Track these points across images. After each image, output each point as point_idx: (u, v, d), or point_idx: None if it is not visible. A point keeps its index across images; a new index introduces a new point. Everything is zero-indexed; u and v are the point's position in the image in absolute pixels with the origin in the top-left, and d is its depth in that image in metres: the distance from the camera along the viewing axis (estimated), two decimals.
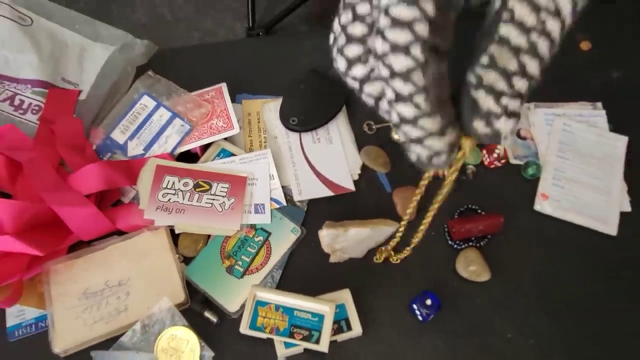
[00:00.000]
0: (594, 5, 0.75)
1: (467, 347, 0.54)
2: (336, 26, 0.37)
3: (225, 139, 0.63)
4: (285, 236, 0.59)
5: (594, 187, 0.61)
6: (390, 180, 0.63)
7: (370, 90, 0.37)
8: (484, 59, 0.31)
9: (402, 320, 0.55)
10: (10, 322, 0.54)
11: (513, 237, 0.59)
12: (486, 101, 0.32)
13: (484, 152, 0.63)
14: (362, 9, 0.34)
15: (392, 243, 0.56)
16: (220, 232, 0.58)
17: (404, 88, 0.32)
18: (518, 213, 0.61)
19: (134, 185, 0.59)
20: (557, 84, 0.68)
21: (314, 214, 0.60)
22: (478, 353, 0.54)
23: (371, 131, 0.65)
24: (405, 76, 0.31)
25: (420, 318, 0.54)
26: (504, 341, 0.54)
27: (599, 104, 0.67)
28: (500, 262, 0.58)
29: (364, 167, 0.63)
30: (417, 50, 0.30)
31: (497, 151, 0.62)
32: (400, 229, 0.53)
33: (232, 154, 0.62)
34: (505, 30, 0.30)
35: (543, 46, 0.30)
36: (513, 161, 0.64)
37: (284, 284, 0.57)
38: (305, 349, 0.52)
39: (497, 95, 0.32)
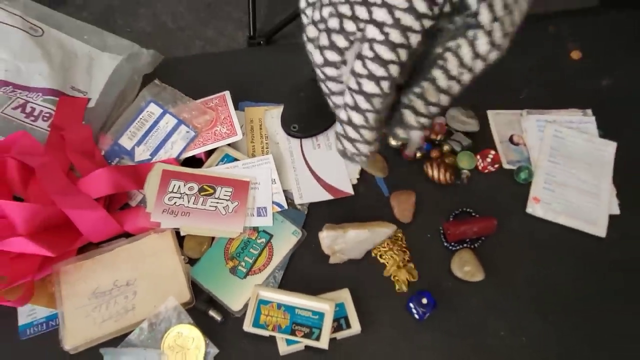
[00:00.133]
0: (584, 16, 0.78)
1: (461, 344, 0.56)
2: (318, 19, 0.41)
3: (229, 144, 0.65)
4: (287, 238, 0.61)
5: (584, 190, 0.64)
6: (388, 184, 0.65)
7: (333, 87, 0.43)
8: (417, 89, 0.40)
9: (399, 319, 0.57)
10: (22, 320, 0.56)
11: (506, 238, 0.61)
12: (410, 118, 0.41)
13: (478, 157, 0.65)
14: (350, 27, 0.39)
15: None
16: (224, 234, 0.60)
17: (364, 104, 0.39)
18: (511, 216, 0.63)
19: (141, 189, 0.61)
20: (548, 92, 0.71)
21: (314, 217, 0.62)
22: (472, 350, 0.55)
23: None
24: (369, 97, 0.39)
25: (416, 316, 0.56)
26: (497, 339, 0.56)
27: (589, 111, 0.69)
28: (494, 262, 0.60)
29: (362, 172, 0.65)
30: (385, 84, 0.38)
31: (490, 156, 0.65)
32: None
33: (235, 159, 0.64)
34: (437, 73, 0.39)
35: (456, 88, 0.40)
36: (506, 166, 0.66)
37: (286, 284, 0.58)
38: (306, 346, 0.54)
39: (418, 115, 0.41)
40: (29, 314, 0.57)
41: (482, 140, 0.67)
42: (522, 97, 0.70)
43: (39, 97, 0.65)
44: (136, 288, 0.56)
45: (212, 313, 0.56)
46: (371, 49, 0.37)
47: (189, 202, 0.60)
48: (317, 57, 0.42)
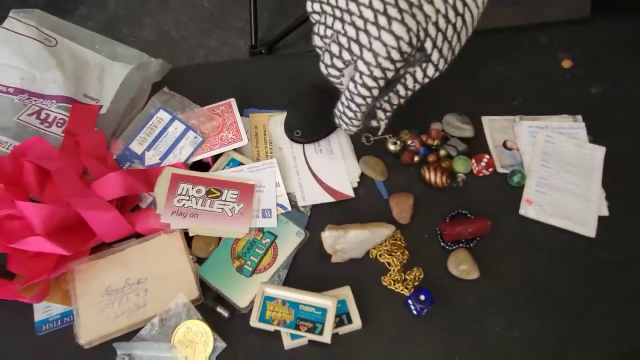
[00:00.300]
0: (574, 26, 0.82)
1: (457, 339, 0.58)
2: (322, 35, 0.56)
3: (235, 149, 0.68)
4: (291, 238, 0.63)
5: (575, 193, 0.66)
6: (387, 187, 0.67)
7: (337, 84, 0.58)
8: (385, 97, 0.58)
9: (398, 315, 0.59)
10: (37, 317, 0.59)
11: (500, 239, 0.64)
12: (380, 114, 0.60)
13: (473, 161, 0.68)
14: (346, 56, 0.53)
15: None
16: (230, 235, 0.62)
17: (354, 107, 0.56)
18: (504, 217, 0.65)
19: (151, 191, 0.63)
20: (540, 99, 0.73)
21: (317, 218, 0.65)
22: (468, 344, 0.58)
23: (369, 143, 0.70)
24: (358, 105, 0.56)
25: (415, 312, 0.59)
26: (492, 334, 0.58)
27: (579, 117, 0.71)
28: (488, 261, 0.62)
29: (362, 176, 0.68)
30: (369, 99, 0.54)
31: (484, 160, 0.67)
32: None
33: (241, 163, 0.67)
34: (399, 87, 0.57)
35: (409, 95, 0.58)
36: (500, 170, 0.68)
37: (290, 282, 0.61)
38: (309, 341, 0.57)
39: (385, 112, 0.59)
40: (44, 311, 0.59)
41: (477, 145, 0.70)
42: (515, 104, 0.73)
43: (53, 104, 0.68)
44: (147, 286, 0.59)
45: (219, 309, 0.58)
46: (360, 77, 0.53)
47: (197, 204, 0.62)
48: (322, 68, 0.56)
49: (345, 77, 0.56)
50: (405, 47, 0.51)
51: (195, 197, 0.63)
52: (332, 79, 0.57)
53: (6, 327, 0.59)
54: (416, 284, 0.61)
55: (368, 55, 0.51)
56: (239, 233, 0.62)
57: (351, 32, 0.52)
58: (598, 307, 0.60)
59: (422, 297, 0.58)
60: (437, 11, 0.52)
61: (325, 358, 0.57)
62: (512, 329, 0.59)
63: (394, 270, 0.61)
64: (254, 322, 0.56)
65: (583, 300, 0.60)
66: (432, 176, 0.66)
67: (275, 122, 0.71)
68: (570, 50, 0.78)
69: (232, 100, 0.71)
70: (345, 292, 0.59)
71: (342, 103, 0.57)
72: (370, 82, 0.53)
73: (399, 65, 0.52)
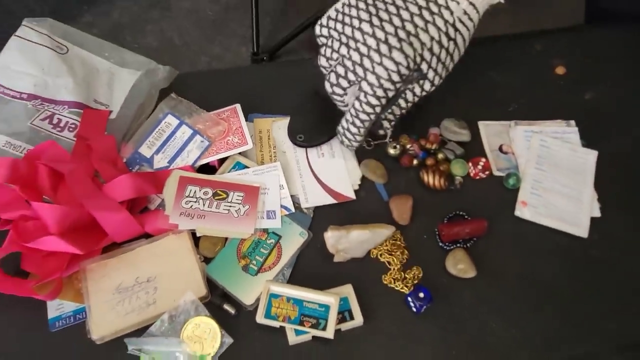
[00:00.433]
0: (568, 34, 0.84)
1: (455, 335, 0.60)
2: (329, 57, 0.63)
3: (240, 153, 0.70)
4: (294, 239, 0.65)
5: (568, 195, 0.69)
6: (387, 189, 0.69)
7: (340, 104, 0.65)
8: (389, 109, 0.65)
9: (398, 312, 0.61)
10: (51, 314, 0.61)
11: (496, 239, 0.66)
12: (385, 123, 0.66)
13: (470, 164, 0.70)
14: (351, 77, 0.60)
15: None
16: (236, 235, 0.64)
17: (358, 123, 0.63)
18: (500, 218, 0.67)
19: (160, 193, 0.66)
20: (535, 105, 0.76)
21: (319, 220, 0.67)
22: (465, 340, 0.60)
23: (370, 147, 0.72)
24: (362, 121, 0.62)
25: (414, 309, 0.61)
26: (489, 330, 0.60)
27: (572, 122, 0.74)
28: (485, 261, 0.64)
29: (363, 178, 0.70)
30: (372, 115, 0.61)
31: (481, 164, 0.70)
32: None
33: (246, 167, 0.69)
34: (400, 101, 0.64)
35: (409, 107, 0.65)
36: (496, 173, 0.71)
37: (294, 280, 0.63)
38: (313, 337, 0.59)
39: (389, 122, 0.66)
40: (57, 308, 0.61)
41: (473, 149, 0.72)
42: (510, 109, 0.76)
43: (65, 110, 0.70)
44: (156, 284, 0.61)
45: (226, 306, 0.61)
46: (365, 97, 0.60)
47: (204, 205, 0.65)
48: (327, 87, 0.64)
49: (349, 95, 0.63)
50: (404, 71, 0.58)
51: (202, 199, 0.65)
52: (335, 97, 0.64)
53: (21, 324, 0.61)
54: (415, 282, 0.63)
55: (371, 78, 0.59)
56: (245, 233, 0.64)
57: (356, 57, 0.59)
58: (589, 303, 0.62)
59: (421, 295, 0.61)
60: (432, 38, 0.59)
61: (328, 353, 0.59)
62: (507, 324, 0.61)
63: (394, 269, 0.64)
64: (260, 318, 0.58)
65: (575, 297, 0.62)
66: (431, 179, 0.68)
67: (278, 127, 0.74)
68: (564, 57, 0.80)
69: (238, 106, 0.73)
70: (347, 290, 0.61)
71: (347, 120, 0.63)
72: (373, 101, 0.60)
73: (398, 85, 0.59)
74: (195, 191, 0.65)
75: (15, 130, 0.68)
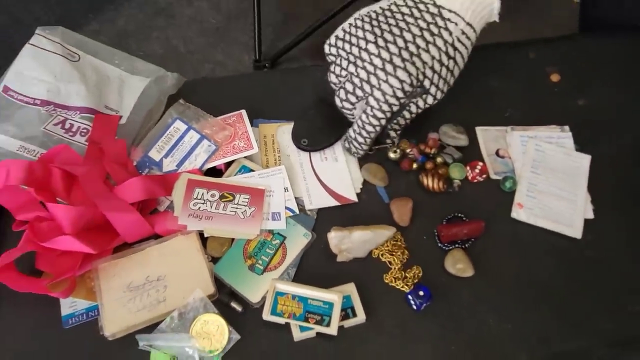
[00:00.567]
0: (562, 43, 0.87)
1: (454, 332, 0.62)
2: (338, 74, 0.69)
3: (246, 157, 0.72)
4: (299, 240, 0.68)
5: (562, 197, 0.71)
6: (388, 192, 0.71)
7: (349, 116, 0.71)
8: (395, 120, 0.70)
9: (399, 309, 0.63)
10: (64, 311, 0.63)
11: (493, 240, 0.68)
12: (392, 133, 0.71)
13: (468, 168, 0.73)
14: (359, 93, 0.66)
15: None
16: (242, 236, 0.66)
17: (365, 134, 0.68)
18: (497, 220, 0.69)
19: (169, 195, 0.68)
20: (530, 110, 0.78)
21: (323, 221, 0.69)
22: (463, 337, 0.62)
23: (371, 151, 0.74)
24: (368, 132, 0.68)
25: (414, 307, 0.63)
26: (486, 326, 0.62)
27: (567, 127, 0.76)
28: (482, 260, 0.66)
29: (364, 182, 0.72)
30: (379, 128, 0.67)
31: (478, 167, 0.72)
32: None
33: (252, 170, 0.71)
34: (405, 113, 0.70)
35: (413, 117, 0.71)
36: (493, 176, 0.73)
37: (298, 279, 0.65)
38: (317, 334, 0.61)
39: (395, 131, 0.71)
40: (71, 306, 0.63)
41: (471, 154, 0.74)
42: (506, 115, 0.78)
43: (77, 115, 0.73)
44: (166, 282, 0.63)
45: (233, 304, 0.63)
46: (372, 111, 0.65)
47: (211, 207, 0.67)
48: (337, 102, 0.69)
49: (357, 109, 0.68)
50: (407, 87, 0.64)
51: (209, 201, 0.67)
52: (345, 110, 0.69)
53: (36, 321, 0.63)
54: (415, 281, 0.65)
55: (378, 94, 0.64)
56: (251, 234, 0.66)
57: (363, 74, 0.65)
58: (583, 302, 0.64)
59: (421, 293, 0.63)
60: (433, 57, 0.64)
61: (332, 349, 0.61)
62: (503, 321, 0.63)
63: (394, 268, 0.66)
64: (267, 315, 0.60)
65: (569, 296, 0.64)
66: (430, 182, 0.71)
67: (283, 131, 0.76)
68: (559, 65, 0.82)
69: (243, 111, 0.75)
70: (350, 288, 0.63)
71: (355, 130, 0.69)
72: (379, 114, 0.65)
73: (402, 100, 0.65)
74: (202, 193, 0.67)
75: (28, 134, 0.70)
